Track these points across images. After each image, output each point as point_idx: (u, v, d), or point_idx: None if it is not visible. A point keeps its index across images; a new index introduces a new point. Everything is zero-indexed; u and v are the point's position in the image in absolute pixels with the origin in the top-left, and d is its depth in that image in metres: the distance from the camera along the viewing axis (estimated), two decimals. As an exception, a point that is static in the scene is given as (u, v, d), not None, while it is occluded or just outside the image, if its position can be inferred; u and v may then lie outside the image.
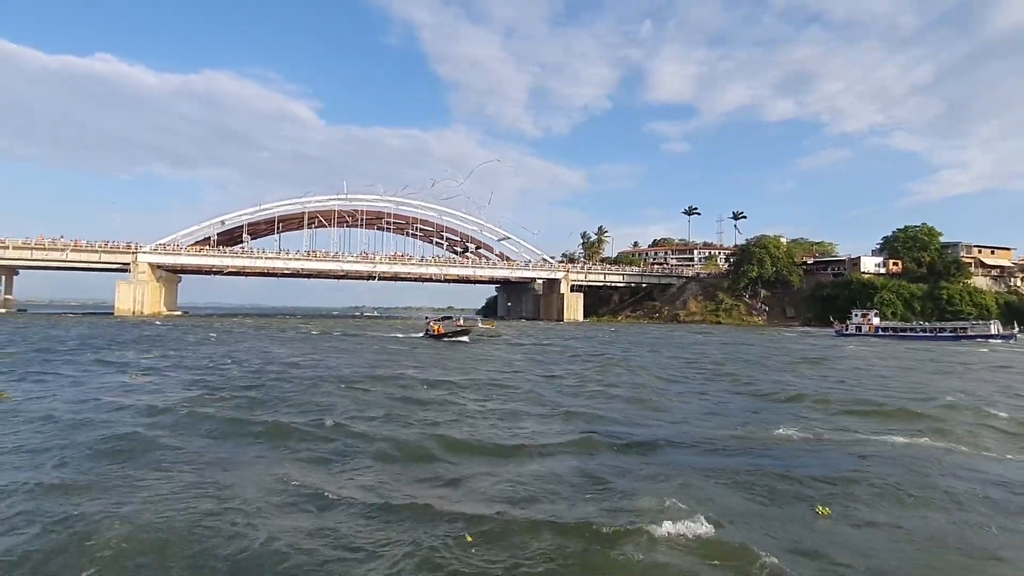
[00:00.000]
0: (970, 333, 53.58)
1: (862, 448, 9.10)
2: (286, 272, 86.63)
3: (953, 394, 14.91)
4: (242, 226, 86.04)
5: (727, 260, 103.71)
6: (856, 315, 64.85)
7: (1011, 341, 49.98)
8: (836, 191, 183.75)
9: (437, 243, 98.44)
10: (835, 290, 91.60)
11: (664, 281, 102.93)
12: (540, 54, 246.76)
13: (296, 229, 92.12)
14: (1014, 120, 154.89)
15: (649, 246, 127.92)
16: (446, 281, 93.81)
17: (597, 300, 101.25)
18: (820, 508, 6.39)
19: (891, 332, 59.00)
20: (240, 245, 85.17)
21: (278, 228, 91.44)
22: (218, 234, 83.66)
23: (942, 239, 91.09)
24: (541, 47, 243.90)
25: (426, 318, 60.52)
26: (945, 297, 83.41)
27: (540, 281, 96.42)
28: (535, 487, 6.94)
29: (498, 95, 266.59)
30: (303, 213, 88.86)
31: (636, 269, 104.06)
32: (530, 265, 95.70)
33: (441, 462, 8.08)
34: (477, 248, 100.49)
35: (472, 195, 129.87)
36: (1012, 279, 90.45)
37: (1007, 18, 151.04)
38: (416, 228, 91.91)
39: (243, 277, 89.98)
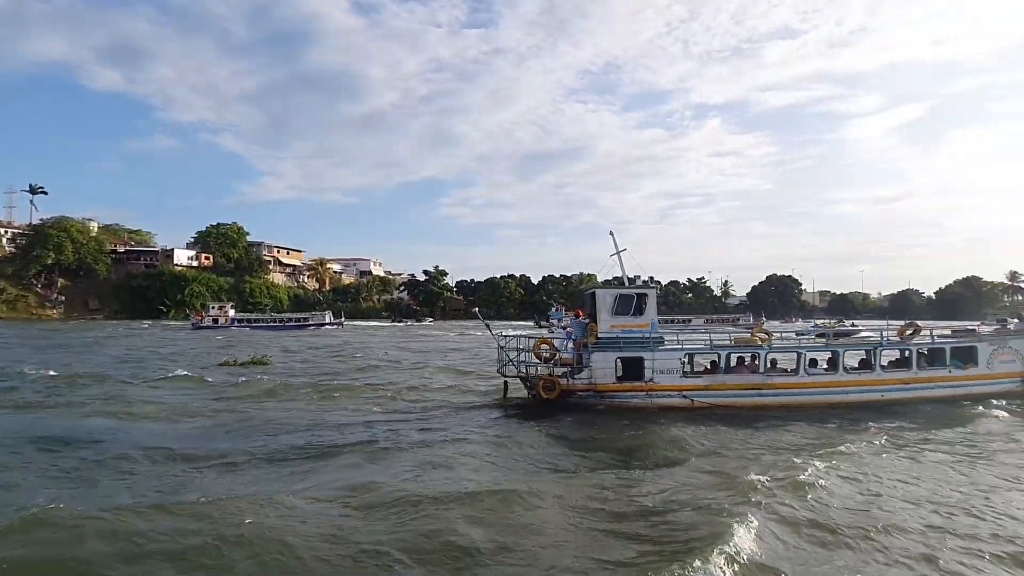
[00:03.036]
0: (311, 322, 79.01)
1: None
2: None
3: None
4: None
5: (14, 242, 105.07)
6: (213, 307, 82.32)
7: (339, 327, 77.69)
8: (166, 179, 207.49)
9: None
10: (147, 281, 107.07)
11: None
12: None
13: None
14: (319, 144, 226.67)
15: None
16: None
17: None
18: None
19: (247, 322, 78.64)
20: None
21: None
22: None
23: (249, 238, 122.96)
24: None
25: None
26: (248, 290, 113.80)
27: None
28: None
29: None
30: None
31: None
32: None
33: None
34: None
35: None
36: (301, 276, 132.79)
37: (315, 59, 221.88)
38: None
39: None
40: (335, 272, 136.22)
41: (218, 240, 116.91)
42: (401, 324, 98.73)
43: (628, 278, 16.52)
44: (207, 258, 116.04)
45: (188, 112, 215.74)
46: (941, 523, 7.22)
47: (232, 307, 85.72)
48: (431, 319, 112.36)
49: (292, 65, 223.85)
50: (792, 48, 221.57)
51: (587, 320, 15.90)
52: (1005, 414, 14.40)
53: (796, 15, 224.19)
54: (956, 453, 10.87)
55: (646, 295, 15.61)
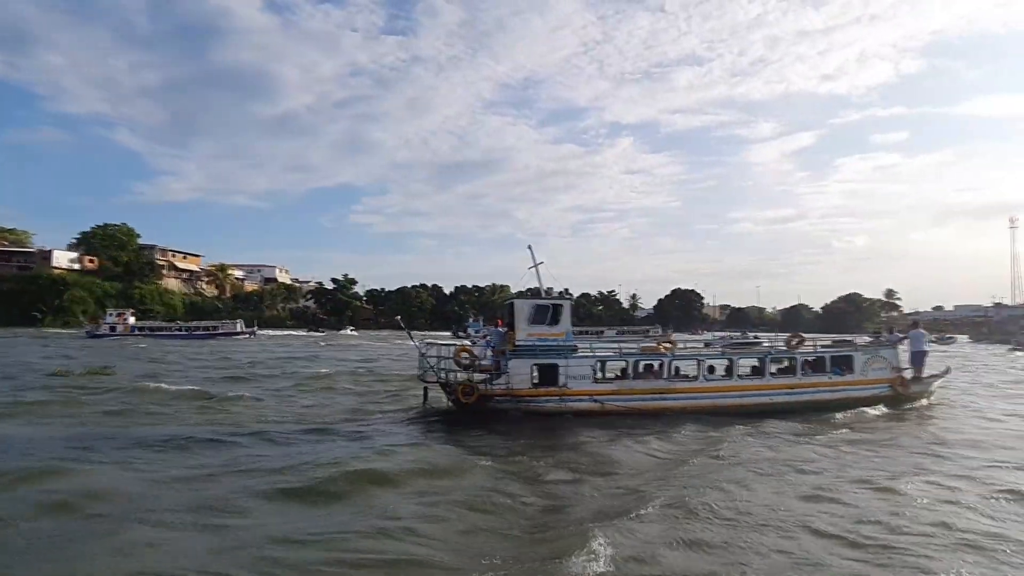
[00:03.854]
0: (220, 331, 75.54)
1: None
2: None
3: None
4: None
5: None
6: (111, 314, 76.68)
7: (252, 337, 74.93)
8: (51, 175, 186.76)
9: None
10: (19, 285, 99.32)
11: None
12: None
13: None
14: (227, 144, 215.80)
15: None
16: None
17: None
18: None
19: (148, 331, 73.99)
20: None
21: None
22: None
23: (141, 240, 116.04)
24: None
25: None
26: (138, 296, 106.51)
27: None
28: None
29: None
30: None
31: None
32: None
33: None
34: None
35: None
36: (199, 282, 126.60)
37: (225, 56, 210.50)
38: None
39: None
40: (236, 279, 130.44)
41: (104, 242, 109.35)
42: (320, 333, 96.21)
43: (545, 290, 17.43)
44: (91, 261, 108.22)
45: (79, 104, 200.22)
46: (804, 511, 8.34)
47: (133, 314, 79.97)
48: (352, 328, 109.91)
49: (199, 61, 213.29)
50: (699, 75, 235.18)
51: (506, 329, 16.63)
52: (873, 415, 16.42)
53: (702, 44, 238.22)
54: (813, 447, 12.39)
55: (561, 306, 16.54)
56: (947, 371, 21.15)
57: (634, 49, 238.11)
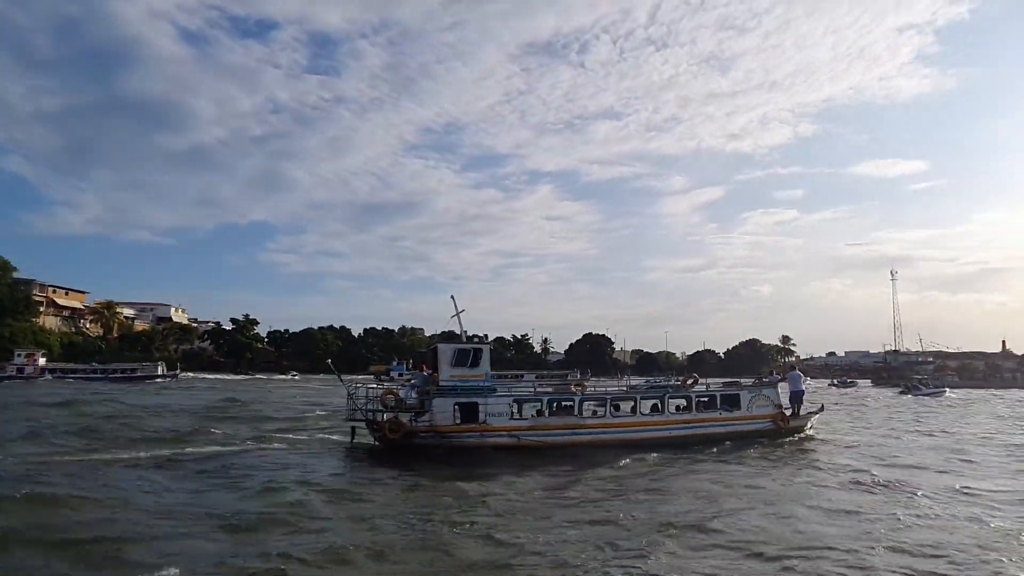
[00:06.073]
0: (139, 374, 72.88)
1: None
2: None
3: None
4: None
5: None
6: (19, 354, 73.39)
7: (173, 380, 72.89)
8: None
9: None
10: None
11: None
12: None
13: None
14: (130, 176, 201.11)
15: None
16: None
17: None
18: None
19: (60, 373, 71.04)
20: None
21: None
22: None
23: (19, 275, 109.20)
24: None
25: None
26: (8, 335, 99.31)
27: None
28: None
29: None
30: None
31: None
32: None
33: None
34: None
35: None
36: (83, 320, 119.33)
37: (134, 85, 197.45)
38: None
39: None
40: (126, 318, 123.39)
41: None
42: (263, 377, 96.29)
43: (466, 335, 19.24)
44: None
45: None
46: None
47: (43, 355, 77.29)
48: (295, 373, 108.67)
49: (104, 88, 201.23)
50: (616, 128, 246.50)
51: (431, 371, 18.26)
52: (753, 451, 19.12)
53: (619, 100, 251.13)
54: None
55: (481, 350, 18.43)
56: (821, 409, 24.48)
57: (556, 101, 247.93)
